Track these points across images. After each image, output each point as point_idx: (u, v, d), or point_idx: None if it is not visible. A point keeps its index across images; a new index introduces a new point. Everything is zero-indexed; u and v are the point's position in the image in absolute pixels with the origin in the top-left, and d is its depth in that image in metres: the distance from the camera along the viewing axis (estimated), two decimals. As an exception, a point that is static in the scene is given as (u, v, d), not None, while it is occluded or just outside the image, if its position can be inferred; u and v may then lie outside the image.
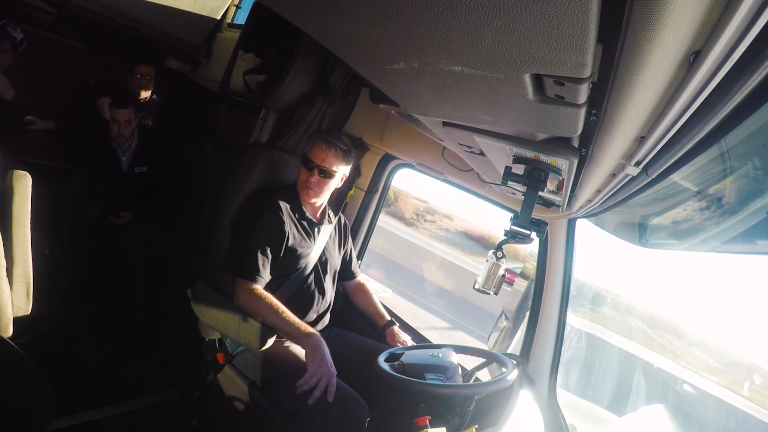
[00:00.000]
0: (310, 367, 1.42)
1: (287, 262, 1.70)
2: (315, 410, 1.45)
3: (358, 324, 2.12)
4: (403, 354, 1.47)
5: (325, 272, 1.81)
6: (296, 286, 1.73)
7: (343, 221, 1.98)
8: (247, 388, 1.59)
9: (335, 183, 1.74)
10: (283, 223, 1.66)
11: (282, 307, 1.55)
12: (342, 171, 1.72)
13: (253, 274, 1.60)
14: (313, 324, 1.77)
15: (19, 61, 2.63)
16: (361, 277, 2.05)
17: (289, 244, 1.69)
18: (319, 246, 1.80)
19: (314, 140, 1.71)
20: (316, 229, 1.79)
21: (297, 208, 1.75)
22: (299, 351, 1.62)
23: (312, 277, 1.77)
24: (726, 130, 0.60)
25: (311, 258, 1.76)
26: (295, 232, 1.72)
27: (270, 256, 1.63)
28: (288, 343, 1.64)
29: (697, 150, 0.68)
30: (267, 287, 1.65)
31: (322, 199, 1.77)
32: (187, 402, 2.00)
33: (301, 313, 1.72)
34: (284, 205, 1.70)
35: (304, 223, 1.76)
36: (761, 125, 0.66)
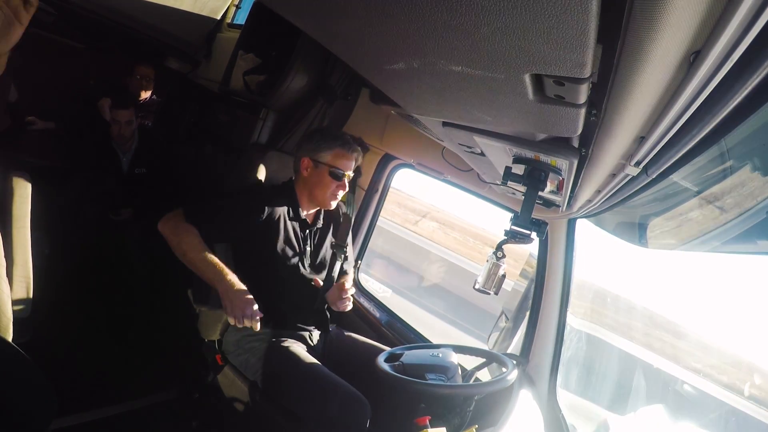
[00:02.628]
0: (227, 313, 1.43)
1: (278, 264, 1.67)
2: (316, 410, 1.45)
3: (357, 324, 2.13)
4: (403, 354, 1.47)
5: (318, 274, 1.79)
6: (287, 289, 1.70)
7: (341, 212, 1.91)
8: (248, 389, 1.59)
9: None
10: (261, 212, 1.61)
11: (206, 249, 1.50)
12: None
13: (199, 218, 1.53)
14: (308, 326, 1.75)
15: (19, 61, 2.62)
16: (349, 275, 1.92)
17: (279, 246, 1.66)
18: (312, 247, 1.78)
19: (333, 148, 1.66)
20: (308, 231, 1.76)
21: (294, 210, 1.72)
22: (299, 350, 1.62)
23: (304, 279, 1.73)
24: (726, 130, 0.60)
25: (303, 260, 1.73)
26: (287, 233, 1.69)
27: (227, 226, 1.59)
28: (288, 343, 1.64)
29: (697, 150, 0.68)
30: (260, 289, 1.62)
31: None
32: (187, 402, 2.00)
33: (294, 316, 1.70)
34: (281, 209, 1.67)
35: (297, 224, 1.73)
36: (761, 125, 0.66)
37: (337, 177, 1.68)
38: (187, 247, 1.50)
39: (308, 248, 1.76)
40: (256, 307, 1.45)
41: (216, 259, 1.50)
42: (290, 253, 1.69)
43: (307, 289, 1.74)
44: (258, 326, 1.44)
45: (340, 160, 1.67)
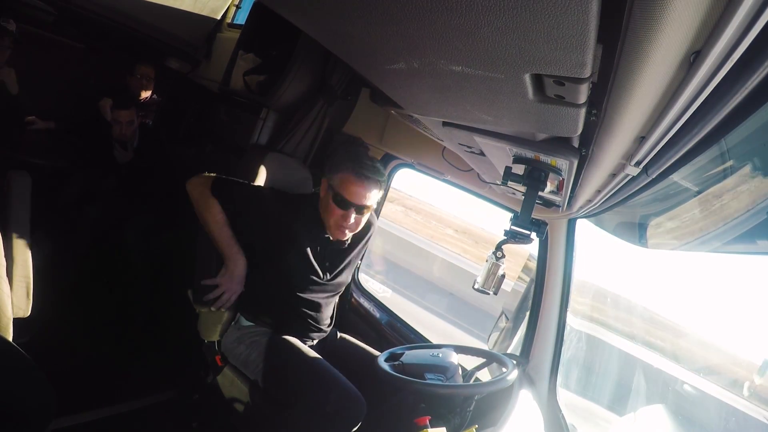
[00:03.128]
0: (220, 278, 1.56)
1: (288, 275, 1.62)
2: (313, 401, 1.43)
3: (357, 324, 2.13)
4: (403, 354, 1.47)
5: (332, 291, 1.72)
6: (294, 299, 1.64)
7: (371, 230, 1.79)
8: (248, 390, 1.59)
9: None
10: (284, 218, 1.58)
11: (224, 221, 1.57)
12: (377, 198, 1.56)
13: (224, 199, 1.57)
14: (311, 337, 1.72)
15: (20, 60, 2.63)
16: (361, 277, 2.03)
17: (292, 258, 1.60)
18: (330, 263, 1.69)
19: (342, 170, 1.49)
20: (329, 248, 1.67)
21: (316, 225, 1.62)
22: (300, 344, 1.61)
23: (316, 296, 1.67)
24: (726, 130, 0.60)
25: (317, 276, 1.65)
26: (303, 246, 1.61)
27: (248, 221, 1.59)
28: (288, 337, 1.63)
29: (697, 150, 0.68)
30: (265, 290, 1.61)
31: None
32: (187, 403, 2.00)
33: (298, 325, 1.66)
34: (305, 220, 1.59)
35: (318, 239, 1.63)
36: (761, 125, 0.66)
37: (341, 205, 1.50)
38: (209, 219, 1.57)
39: (326, 264, 1.67)
40: (235, 296, 1.57)
41: (233, 238, 1.58)
42: (303, 266, 1.61)
43: (314, 304, 1.67)
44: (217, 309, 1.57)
45: (348, 186, 1.48)
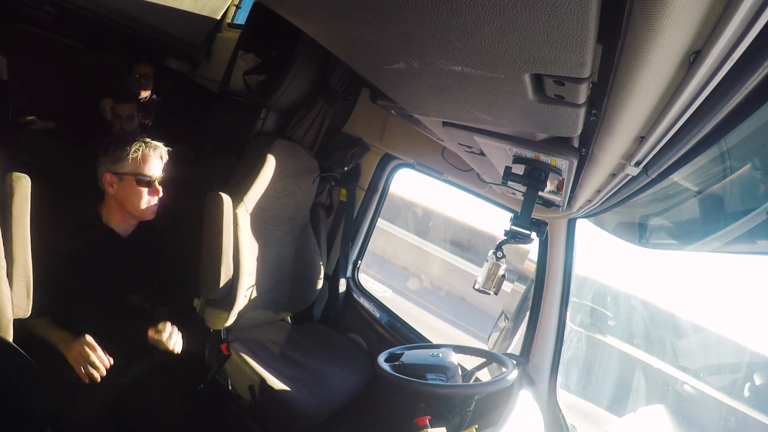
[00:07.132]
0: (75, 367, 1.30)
1: (82, 291, 1.46)
2: None
3: (357, 324, 2.13)
4: (403, 354, 1.47)
5: (136, 293, 1.57)
6: (93, 319, 1.46)
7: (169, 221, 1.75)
8: (255, 375, 1.60)
9: None
10: (65, 247, 1.43)
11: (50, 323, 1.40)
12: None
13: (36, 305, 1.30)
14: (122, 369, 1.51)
15: (19, 60, 2.63)
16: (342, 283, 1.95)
17: (85, 272, 1.45)
18: (128, 264, 1.56)
19: (136, 152, 1.49)
20: (124, 248, 1.56)
21: (99, 228, 1.53)
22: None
23: (110, 304, 1.52)
24: (726, 130, 0.60)
25: (112, 281, 1.52)
26: (94, 255, 1.48)
27: (47, 287, 1.34)
28: None
29: (697, 150, 0.68)
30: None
31: None
32: (190, 397, 2.00)
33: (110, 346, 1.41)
34: (86, 233, 1.48)
35: (107, 242, 1.53)
36: (761, 125, 0.66)
37: (147, 185, 1.51)
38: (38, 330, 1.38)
39: (122, 266, 1.55)
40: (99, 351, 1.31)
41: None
42: (94, 274, 1.48)
43: (115, 317, 1.52)
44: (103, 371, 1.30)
45: (148, 165, 1.52)
